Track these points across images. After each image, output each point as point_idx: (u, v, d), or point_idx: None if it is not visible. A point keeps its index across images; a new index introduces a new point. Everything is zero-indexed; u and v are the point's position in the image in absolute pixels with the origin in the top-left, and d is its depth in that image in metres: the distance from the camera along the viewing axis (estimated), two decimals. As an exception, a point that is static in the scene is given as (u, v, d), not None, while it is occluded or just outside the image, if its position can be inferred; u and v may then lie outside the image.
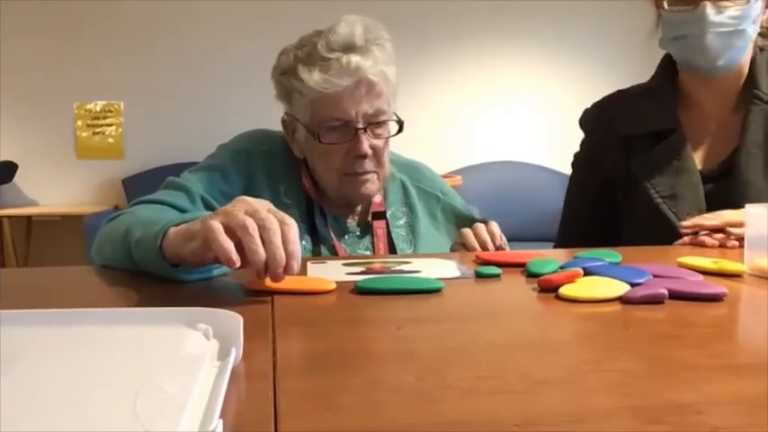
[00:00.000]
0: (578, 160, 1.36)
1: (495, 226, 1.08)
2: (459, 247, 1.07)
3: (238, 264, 0.64)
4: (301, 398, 0.40)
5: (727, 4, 1.11)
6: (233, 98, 4.28)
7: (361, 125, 1.03)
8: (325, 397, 0.40)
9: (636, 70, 4.69)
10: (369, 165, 1.06)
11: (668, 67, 1.27)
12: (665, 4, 1.16)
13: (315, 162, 1.09)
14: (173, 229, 0.73)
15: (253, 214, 0.66)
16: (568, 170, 1.39)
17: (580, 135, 1.37)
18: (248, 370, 0.45)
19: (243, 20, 4.32)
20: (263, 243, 0.64)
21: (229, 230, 0.65)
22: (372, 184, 1.08)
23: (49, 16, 4.19)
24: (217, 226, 0.65)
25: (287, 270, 0.65)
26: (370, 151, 1.04)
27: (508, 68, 4.64)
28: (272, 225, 0.64)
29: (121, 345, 0.45)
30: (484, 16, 4.55)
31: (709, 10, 1.10)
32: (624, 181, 1.24)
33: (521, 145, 4.62)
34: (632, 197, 1.22)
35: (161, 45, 4.29)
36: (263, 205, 0.68)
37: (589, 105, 1.36)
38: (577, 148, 1.37)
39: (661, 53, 1.28)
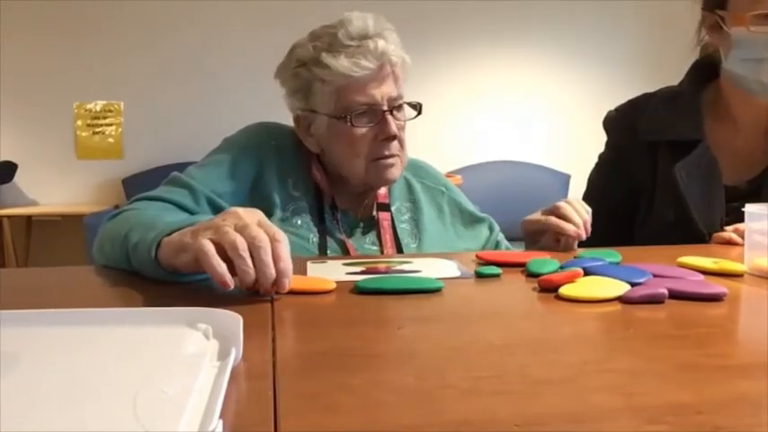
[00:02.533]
0: (602, 162, 1.34)
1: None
2: (545, 222, 1.01)
3: (232, 286, 0.63)
4: (301, 398, 0.40)
5: None
6: (233, 98, 4.28)
7: (386, 107, 1.05)
8: (325, 397, 0.40)
9: (636, 70, 4.71)
10: (395, 147, 1.08)
11: (698, 74, 1.24)
12: (749, 25, 1.10)
13: (338, 152, 1.09)
14: (165, 239, 0.72)
15: (242, 230, 0.64)
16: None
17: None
18: (248, 370, 0.45)
19: (243, 20, 4.32)
20: (253, 261, 0.63)
21: (220, 247, 0.64)
22: (396, 169, 1.09)
23: (49, 16, 4.19)
24: (208, 247, 0.64)
25: (278, 287, 0.64)
26: (397, 132, 1.07)
27: (508, 69, 4.64)
28: (261, 243, 0.63)
29: (121, 345, 0.45)
30: (484, 17, 4.55)
31: None
32: (651, 186, 1.23)
33: (521, 145, 4.62)
34: (659, 203, 1.21)
35: (161, 45, 4.30)
36: (253, 218, 0.67)
37: (612, 108, 1.34)
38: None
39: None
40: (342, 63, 1.02)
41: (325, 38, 1.05)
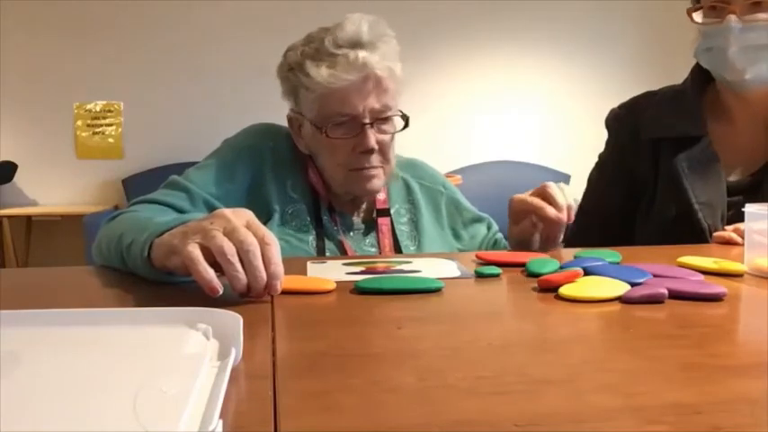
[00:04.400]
0: (603, 161, 1.34)
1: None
2: (529, 202, 0.95)
3: (221, 292, 0.61)
4: (301, 398, 0.40)
5: (757, 17, 1.08)
6: (233, 98, 4.29)
7: (367, 120, 1.04)
8: (325, 397, 0.40)
9: (635, 70, 4.70)
10: (375, 160, 1.06)
11: (700, 73, 1.24)
12: (696, 17, 1.14)
13: (321, 157, 1.09)
14: (156, 241, 0.72)
15: (231, 233, 0.63)
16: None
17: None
18: (248, 370, 0.45)
19: (243, 21, 4.32)
20: (243, 265, 0.62)
21: (207, 251, 0.63)
22: (378, 180, 1.08)
23: (50, 16, 4.20)
24: (196, 253, 0.62)
25: (270, 291, 0.63)
26: (376, 146, 1.05)
27: (507, 68, 4.64)
28: (250, 247, 0.62)
29: (121, 345, 0.45)
30: (483, 17, 4.55)
31: (734, 23, 1.08)
32: (652, 183, 1.23)
33: (521, 145, 4.62)
34: (660, 199, 1.21)
35: (161, 45, 4.30)
36: (242, 219, 0.66)
37: (615, 106, 1.34)
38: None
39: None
40: (321, 73, 1.01)
41: (314, 43, 1.04)
